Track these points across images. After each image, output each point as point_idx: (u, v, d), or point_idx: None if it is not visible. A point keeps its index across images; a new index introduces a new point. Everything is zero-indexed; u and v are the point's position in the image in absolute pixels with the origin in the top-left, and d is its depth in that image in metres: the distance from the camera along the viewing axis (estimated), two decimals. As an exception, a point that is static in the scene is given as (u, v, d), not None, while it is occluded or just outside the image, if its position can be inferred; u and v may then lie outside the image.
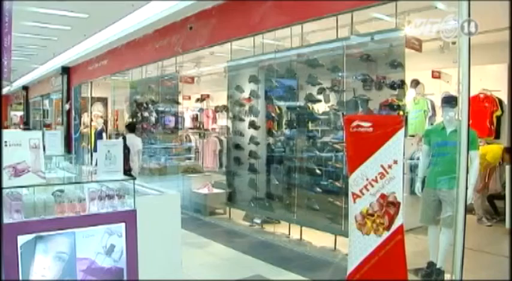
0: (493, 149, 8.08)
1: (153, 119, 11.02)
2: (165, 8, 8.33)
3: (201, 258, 6.05)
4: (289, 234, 7.04)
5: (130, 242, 3.41)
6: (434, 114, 8.51)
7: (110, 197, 3.43)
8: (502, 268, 5.89)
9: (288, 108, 7.44)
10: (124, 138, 7.96)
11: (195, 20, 8.40)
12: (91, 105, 15.96)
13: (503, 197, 7.51)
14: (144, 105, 11.39)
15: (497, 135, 8.66)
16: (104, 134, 12.93)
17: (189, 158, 11.30)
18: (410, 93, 8.84)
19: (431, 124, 8.20)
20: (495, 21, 7.36)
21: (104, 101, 17.83)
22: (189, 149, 11.73)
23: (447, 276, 4.94)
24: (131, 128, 8.88)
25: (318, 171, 6.71)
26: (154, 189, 4.88)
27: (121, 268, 3.35)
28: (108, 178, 3.66)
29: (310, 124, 7.09)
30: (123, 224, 3.38)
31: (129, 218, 3.42)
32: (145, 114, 11.36)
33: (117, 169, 4.61)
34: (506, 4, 6.15)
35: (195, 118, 14.28)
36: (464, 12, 4.34)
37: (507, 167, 7.55)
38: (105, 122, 15.66)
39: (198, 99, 14.00)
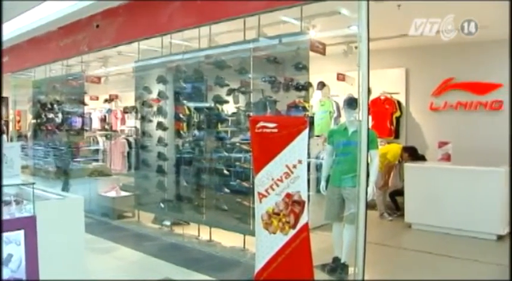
0: (393, 148, 8.55)
1: (58, 120, 10.54)
2: (69, 5, 8.00)
3: (108, 263, 5.88)
4: (199, 235, 7.01)
5: (30, 250, 3.23)
6: (339, 115, 8.84)
7: (7, 203, 3.24)
8: (401, 259, 6.29)
9: (197, 109, 7.41)
10: None
11: (101, 18, 8.12)
12: (-11, 105, 14.98)
13: (402, 194, 7.95)
14: (49, 105, 10.87)
15: (397, 135, 9.20)
16: (3, 136, 12.20)
17: (97, 160, 10.94)
18: (317, 95, 9.14)
19: (337, 125, 8.51)
20: (394, 29, 7.80)
21: (4, 100, 16.83)
22: (96, 151, 11.36)
23: (351, 270, 5.13)
24: None
25: (226, 172, 6.73)
26: (56, 193, 4.68)
27: (19, 278, 3.17)
28: (4, 183, 3.46)
29: (219, 125, 7.10)
30: (21, 232, 3.20)
31: (28, 225, 3.24)
32: (50, 115, 10.84)
33: (15, 173, 4.37)
34: (408, 12, 6.55)
35: (103, 119, 13.84)
36: (364, 17, 4.54)
37: (405, 165, 8.01)
38: (6, 124, 14.80)
39: (106, 100, 13.58)
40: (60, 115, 10.47)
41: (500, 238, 6.92)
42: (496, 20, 6.74)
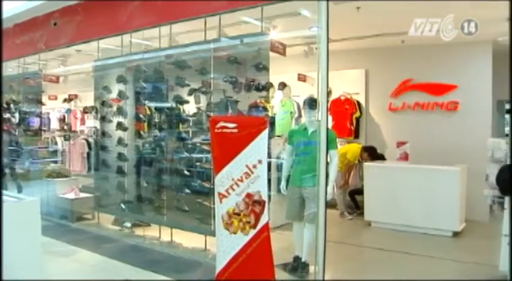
0: (353, 148, 8.68)
1: (14, 120, 10.26)
2: (25, 2, 7.80)
3: (67, 266, 5.75)
4: (160, 236, 6.94)
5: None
6: (300, 115, 8.88)
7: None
8: (361, 257, 6.41)
9: (158, 109, 7.33)
10: None
11: (59, 16, 7.96)
12: None
13: (362, 192, 8.09)
14: (5, 105, 10.56)
15: (357, 135, 9.35)
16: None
17: (55, 162, 10.70)
18: (278, 95, 9.19)
19: (297, 125, 8.57)
20: (354, 30, 7.93)
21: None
22: (55, 152, 11.11)
23: (312, 268, 5.18)
24: None
25: (187, 172, 6.71)
26: (10, 196, 4.57)
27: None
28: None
29: (180, 126, 7.06)
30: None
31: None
32: (6, 115, 10.53)
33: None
34: (367, 14, 6.67)
35: (62, 119, 13.53)
36: (323, 18, 4.59)
37: (365, 164, 8.15)
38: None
39: (65, 100, 13.27)
40: (17, 115, 10.19)
41: (455, 234, 7.14)
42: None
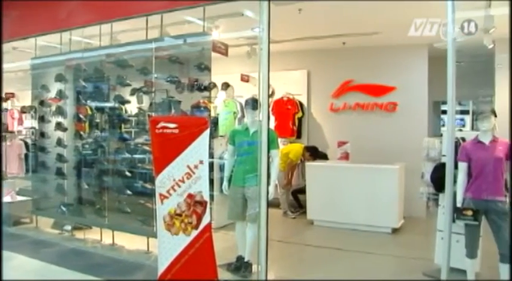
0: (295, 148, 8.80)
1: None
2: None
3: (3, 274, 5.51)
4: (101, 239, 6.79)
5: None
6: (243, 115, 8.90)
7: None
8: (304, 255, 6.54)
9: (99, 109, 7.16)
10: None
11: (-6, 10, 7.66)
12: None
13: (305, 192, 8.21)
14: None
15: (299, 135, 9.49)
16: None
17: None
18: (221, 95, 9.19)
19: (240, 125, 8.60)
20: (297, 32, 8.04)
21: None
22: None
23: (254, 267, 5.22)
24: None
25: (128, 173, 6.61)
26: None
27: None
28: None
29: (122, 126, 6.94)
30: None
31: None
32: None
33: None
34: (308, 16, 6.77)
35: (-3, 119, 13.00)
36: (265, 19, 4.65)
37: (306, 164, 8.29)
38: None
39: (1, 99, 12.77)
40: None
41: (394, 230, 7.38)
42: (388, 26, 7.17)
